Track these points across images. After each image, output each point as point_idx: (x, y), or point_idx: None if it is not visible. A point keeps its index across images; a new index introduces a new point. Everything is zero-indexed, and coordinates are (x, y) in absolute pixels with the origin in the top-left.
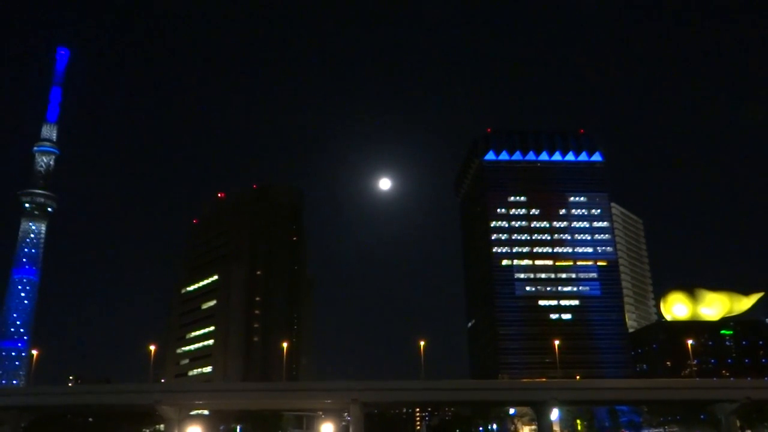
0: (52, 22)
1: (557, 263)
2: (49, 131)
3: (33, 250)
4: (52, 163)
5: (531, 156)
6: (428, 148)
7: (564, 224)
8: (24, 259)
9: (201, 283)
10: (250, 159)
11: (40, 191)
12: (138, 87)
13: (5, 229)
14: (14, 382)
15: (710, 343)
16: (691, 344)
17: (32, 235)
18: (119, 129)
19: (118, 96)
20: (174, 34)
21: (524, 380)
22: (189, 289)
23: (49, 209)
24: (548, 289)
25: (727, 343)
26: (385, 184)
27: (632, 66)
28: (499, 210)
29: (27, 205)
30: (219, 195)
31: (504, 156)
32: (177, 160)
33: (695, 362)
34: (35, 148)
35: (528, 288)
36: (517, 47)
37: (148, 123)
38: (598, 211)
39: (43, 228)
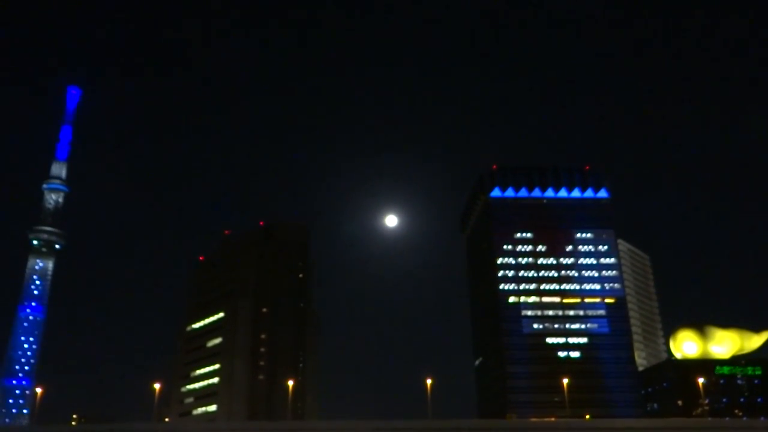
0: (64, 61)
1: (564, 300)
2: (59, 169)
3: (39, 287)
4: (60, 200)
5: (537, 192)
6: (434, 185)
7: (571, 261)
8: (30, 296)
9: (207, 321)
10: (256, 196)
11: (48, 228)
12: (146, 125)
13: (13, 267)
14: (19, 421)
15: (722, 381)
16: (703, 383)
17: (39, 272)
18: (127, 167)
19: (127, 135)
20: (181, 72)
21: (533, 420)
22: (194, 326)
23: (57, 246)
24: (556, 326)
25: (739, 381)
26: (391, 220)
27: (636, 102)
28: (505, 246)
29: (35, 242)
30: (225, 232)
31: (510, 192)
32: (184, 197)
33: (707, 401)
34: (44, 186)
35: (535, 325)
36: (522, 84)
37: (156, 161)
38: (605, 247)
39: (51, 265)
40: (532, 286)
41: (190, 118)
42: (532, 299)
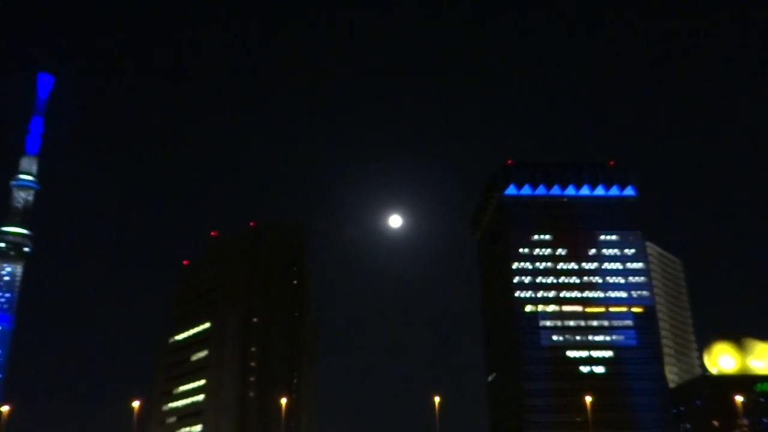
0: (35, 45)
1: (587, 310)
2: (29, 164)
3: (7, 295)
4: (30, 198)
5: (556, 190)
6: (442, 182)
7: (594, 266)
8: None
9: (191, 332)
10: (246, 196)
11: (16, 229)
12: (126, 118)
13: None
14: None
15: (762, 399)
16: (741, 401)
17: (7, 278)
18: (104, 164)
19: (105, 129)
20: (165, 63)
21: None
22: (177, 338)
23: (26, 249)
24: (578, 338)
25: None
26: (395, 221)
27: (665, 92)
28: (521, 250)
29: (1, 244)
30: (212, 234)
31: (526, 190)
32: (166, 195)
33: (746, 422)
34: (12, 183)
35: (555, 337)
36: (537, 73)
37: (136, 157)
38: (632, 251)
39: (19, 270)
40: (551, 294)
41: (175, 110)
42: (551, 308)
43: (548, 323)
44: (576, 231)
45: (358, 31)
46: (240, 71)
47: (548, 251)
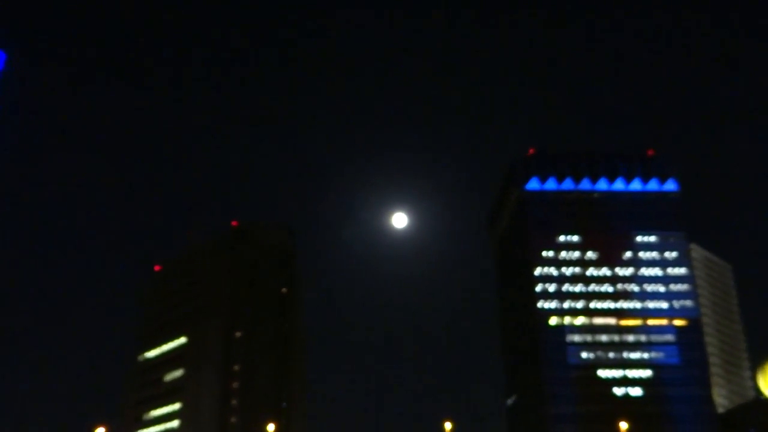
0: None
1: (622, 322)
2: None
3: None
4: None
5: (586, 184)
6: (454, 176)
7: (630, 271)
8: None
9: (164, 348)
10: (227, 191)
11: None
12: (91, 101)
13: None
14: None
15: None
16: None
17: None
18: (65, 153)
19: (66, 112)
20: (140, 52)
21: None
22: (149, 355)
23: None
24: (611, 355)
25: None
26: (399, 220)
27: (711, 71)
28: (545, 253)
29: None
30: (189, 234)
31: (551, 184)
32: (135, 191)
33: None
34: None
35: (584, 354)
36: (562, 51)
37: (101, 148)
38: (674, 254)
39: None
40: (580, 304)
41: (148, 102)
42: (580, 321)
43: (576, 338)
44: (608, 231)
45: (359, 14)
46: (219, 51)
47: (576, 255)
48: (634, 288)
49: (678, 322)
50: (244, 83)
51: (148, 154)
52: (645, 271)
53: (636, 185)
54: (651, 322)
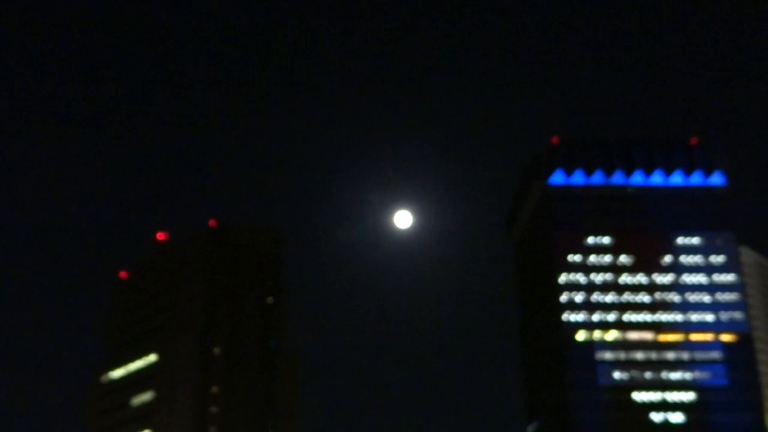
0: None
1: (660, 337)
2: None
3: None
4: None
5: (619, 177)
6: (466, 168)
7: (669, 279)
8: None
9: (132, 367)
10: (205, 186)
11: None
12: (47, 84)
13: None
14: None
15: None
16: None
17: None
18: (19, 144)
19: (18, 99)
20: (113, 35)
21: None
22: (114, 375)
23: None
24: (647, 376)
25: None
26: (403, 219)
27: (765, 48)
28: (571, 257)
29: None
30: (159, 236)
31: (578, 178)
32: (99, 187)
33: None
34: None
35: (617, 375)
36: (590, 26)
37: (62, 136)
38: (721, 258)
39: None
40: (612, 317)
41: (117, 87)
42: (612, 336)
43: (608, 356)
44: (645, 232)
45: None
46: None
47: (608, 259)
48: (675, 298)
49: (725, 338)
50: (231, 69)
51: (117, 145)
52: (687, 278)
53: (677, 178)
54: (694, 337)
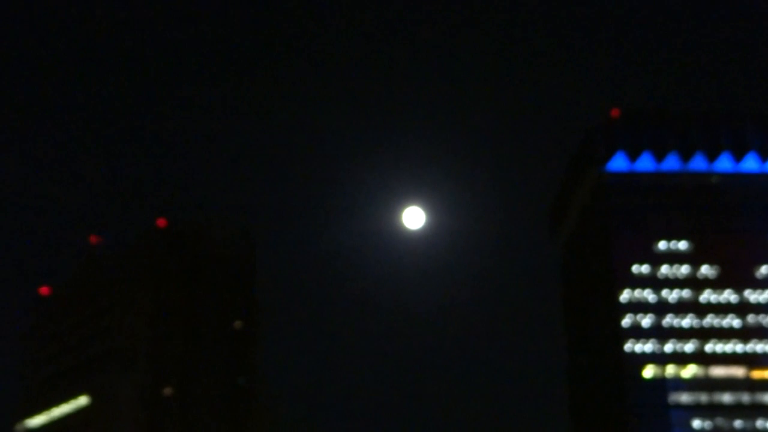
0: None
1: (755, 374)
2: None
3: None
4: None
5: (699, 163)
6: (495, 153)
7: (766, 297)
8: None
9: (55, 413)
10: (152, 176)
11: None
12: None
13: None
14: None
15: None
16: None
17: None
18: None
19: None
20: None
21: None
22: (32, 423)
23: None
24: (737, 425)
25: None
26: (413, 217)
27: None
28: (637, 268)
29: None
30: (91, 240)
31: (645, 163)
32: (14, 181)
33: None
34: None
35: (697, 423)
36: None
37: None
38: None
39: None
40: (690, 346)
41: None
42: (690, 372)
43: (684, 398)
44: (734, 235)
45: None
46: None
47: (685, 270)
48: None
49: None
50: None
51: (34, 137)
52: None
53: None
54: None
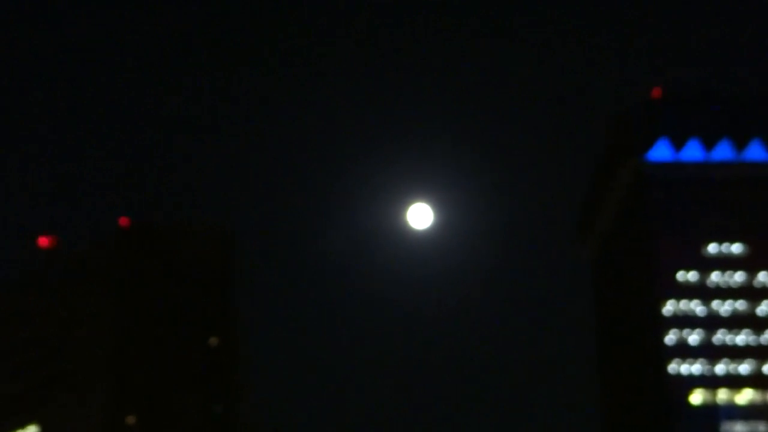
0: None
1: None
2: None
3: None
4: None
5: (756, 152)
6: (513, 143)
7: None
8: None
9: None
10: (119, 167)
11: None
12: None
13: None
14: None
15: None
16: None
17: None
18: None
19: None
20: None
21: None
22: None
23: None
24: None
25: None
26: (419, 216)
27: None
28: (683, 276)
29: None
30: (42, 243)
31: (692, 152)
32: None
33: None
34: None
35: None
36: None
37: None
38: None
39: None
40: (746, 367)
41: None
42: (746, 396)
43: (739, 428)
44: None
45: None
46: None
47: (739, 279)
48: None
49: None
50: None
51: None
52: None
53: None
54: None
